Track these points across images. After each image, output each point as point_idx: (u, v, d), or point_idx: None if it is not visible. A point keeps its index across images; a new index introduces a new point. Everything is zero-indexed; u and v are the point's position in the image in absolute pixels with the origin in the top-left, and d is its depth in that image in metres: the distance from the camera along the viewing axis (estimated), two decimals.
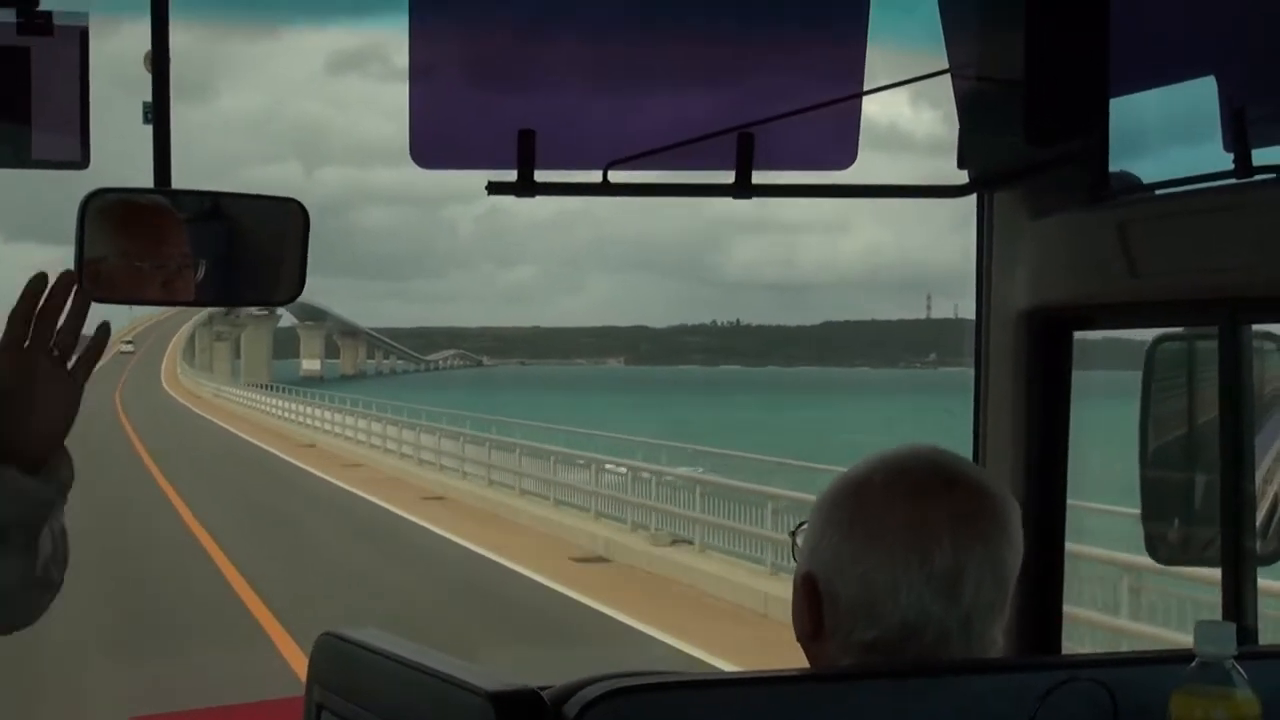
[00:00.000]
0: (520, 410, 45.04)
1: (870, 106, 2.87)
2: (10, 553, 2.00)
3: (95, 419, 47.65)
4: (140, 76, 2.25)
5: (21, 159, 2.28)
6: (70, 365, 2.07)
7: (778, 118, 2.67)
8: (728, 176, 2.69)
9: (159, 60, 2.25)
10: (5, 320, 2.05)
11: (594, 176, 2.64)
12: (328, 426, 44.05)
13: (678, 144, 2.63)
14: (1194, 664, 1.66)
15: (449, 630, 13.92)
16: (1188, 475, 2.86)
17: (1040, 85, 2.53)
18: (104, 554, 17.98)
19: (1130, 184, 2.62)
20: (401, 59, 2.56)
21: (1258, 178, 2.44)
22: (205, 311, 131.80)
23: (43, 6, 2.20)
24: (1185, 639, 1.71)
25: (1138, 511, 2.92)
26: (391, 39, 2.70)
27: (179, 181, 2.23)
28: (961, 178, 2.85)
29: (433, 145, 2.65)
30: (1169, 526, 2.93)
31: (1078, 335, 2.79)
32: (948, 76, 2.78)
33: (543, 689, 1.67)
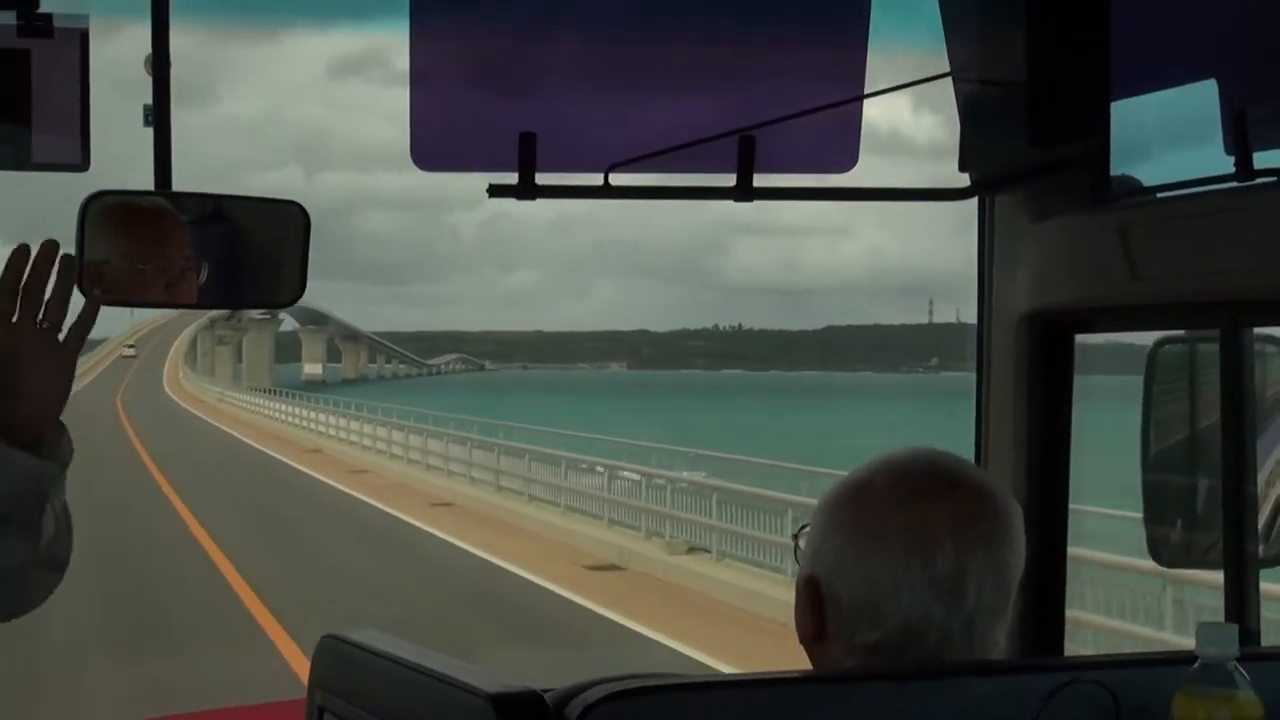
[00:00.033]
0: (523, 414, 45.01)
1: (871, 111, 2.88)
2: (12, 533, 1.97)
3: (97, 422, 47.74)
4: (141, 79, 2.25)
5: (21, 161, 2.28)
6: (62, 338, 2.02)
7: (779, 120, 2.67)
8: (729, 179, 2.69)
9: (159, 63, 2.26)
10: None
11: (595, 179, 2.64)
12: (332, 431, 43.88)
13: (679, 146, 2.63)
14: (1196, 665, 1.66)
15: (460, 640, 13.84)
16: (1190, 478, 2.86)
17: (1041, 88, 2.53)
18: (107, 558, 17.99)
19: (1131, 187, 2.62)
20: (402, 62, 2.56)
21: (1259, 181, 2.44)
22: (207, 315, 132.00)
23: (43, 9, 2.21)
24: None
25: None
26: (392, 43, 2.71)
27: (179, 187, 2.23)
28: (963, 181, 2.85)
29: (434, 148, 2.65)
30: (1171, 529, 2.93)
31: (1079, 339, 2.79)
32: (949, 80, 2.78)
33: (545, 691, 1.67)
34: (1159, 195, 2.61)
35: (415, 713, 1.82)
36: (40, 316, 2.00)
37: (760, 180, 2.70)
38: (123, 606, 16.31)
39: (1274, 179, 2.43)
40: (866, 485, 1.90)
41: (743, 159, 2.67)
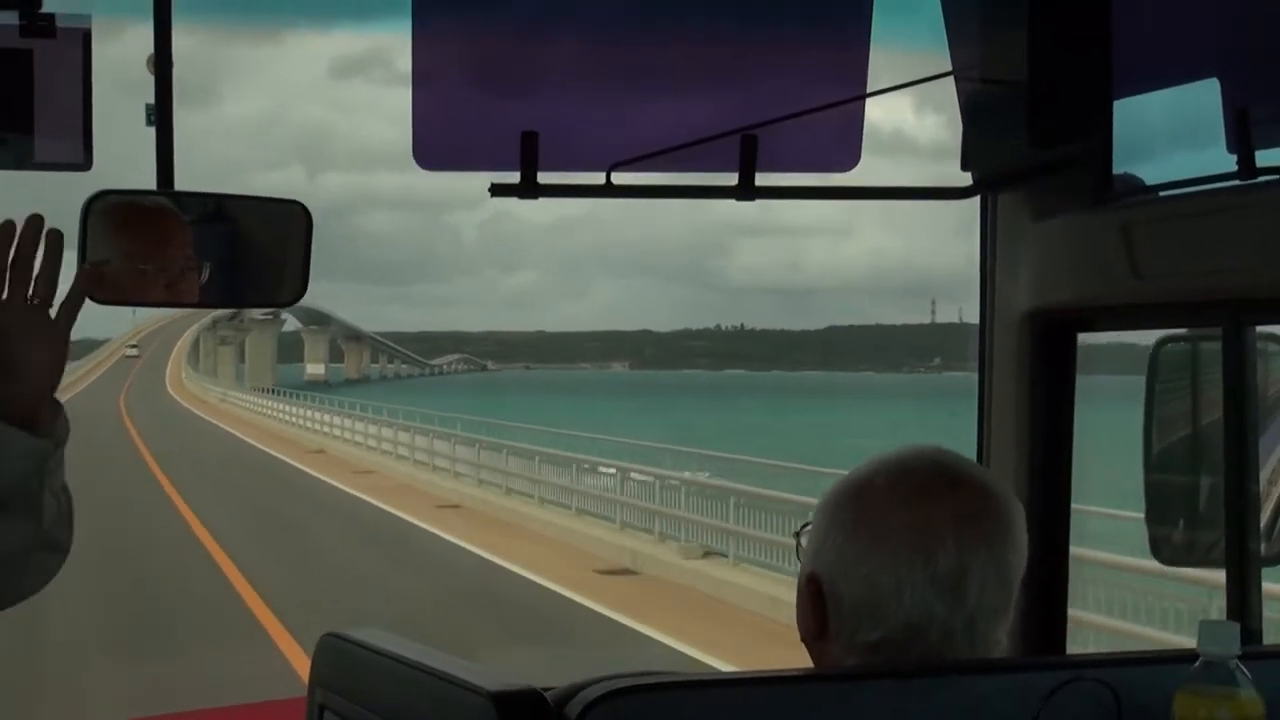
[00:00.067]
0: (525, 414, 44.95)
1: (873, 110, 2.88)
2: (12, 515, 1.93)
3: (101, 422, 47.76)
4: (143, 79, 2.25)
5: (24, 161, 2.27)
6: (53, 314, 1.97)
7: (781, 120, 2.68)
8: (731, 178, 2.70)
9: (161, 63, 2.26)
10: None
11: (597, 178, 2.64)
12: (336, 431, 43.74)
13: (681, 146, 2.64)
14: (1198, 664, 1.66)
15: (463, 641, 13.80)
16: (1192, 477, 2.86)
17: (1043, 87, 2.53)
18: (110, 557, 17.99)
19: (1133, 186, 2.62)
20: (405, 62, 2.56)
21: (1261, 179, 2.45)
22: (209, 315, 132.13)
23: (45, 9, 2.21)
24: None
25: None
26: (395, 42, 2.71)
27: (181, 187, 2.24)
28: (965, 180, 2.85)
29: (436, 147, 2.66)
30: (1173, 528, 2.93)
31: (1082, 339, 2.80)
32: (951, 79, 2.78)
33: (545, 689, 1.67)
34: (1161, 194, 2.61)
35: (416, 711, 1.82)
36: (30, 293, 1.94)
37: (762, 179, 2.70)
38: (125, 606, 16.31)
39: (1276, 177, 2.44)
40: (868, 484, 1.90)
41: (745, 158, 2.67)
